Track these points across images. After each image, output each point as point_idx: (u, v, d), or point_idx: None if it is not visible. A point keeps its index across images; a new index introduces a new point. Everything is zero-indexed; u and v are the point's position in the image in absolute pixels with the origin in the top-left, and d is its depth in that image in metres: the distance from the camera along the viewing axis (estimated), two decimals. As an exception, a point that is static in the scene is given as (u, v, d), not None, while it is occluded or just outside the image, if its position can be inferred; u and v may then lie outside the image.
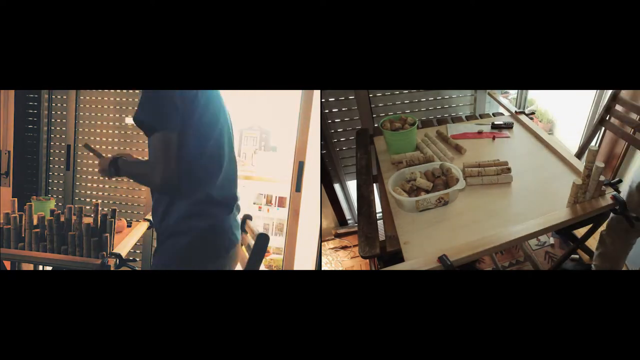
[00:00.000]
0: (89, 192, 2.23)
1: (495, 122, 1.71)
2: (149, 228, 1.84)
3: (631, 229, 1.28)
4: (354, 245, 2.45)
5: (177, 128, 1.05)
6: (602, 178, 1.12)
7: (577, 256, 1.87)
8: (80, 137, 2.20)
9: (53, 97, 2.20)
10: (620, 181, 1.19)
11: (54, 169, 2.24)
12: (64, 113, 2.19)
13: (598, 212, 1.14)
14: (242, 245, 1.33)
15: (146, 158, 1.34)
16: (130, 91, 2.13)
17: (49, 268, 1.54)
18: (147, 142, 1.24)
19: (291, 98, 2.09)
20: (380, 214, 1.34)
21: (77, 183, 2.22)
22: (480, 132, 1.67)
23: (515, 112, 1.78)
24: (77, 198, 2.23)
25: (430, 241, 1.11)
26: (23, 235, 1.36)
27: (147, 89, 1.18)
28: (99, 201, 1.44)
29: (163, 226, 1.14)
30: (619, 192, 1.18)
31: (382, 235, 1.21)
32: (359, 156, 1.67)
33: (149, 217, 1.93)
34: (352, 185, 2.42)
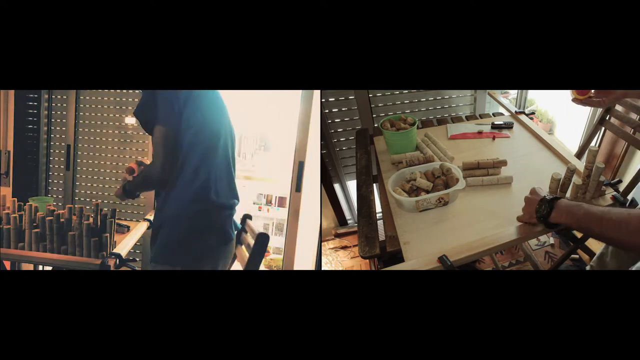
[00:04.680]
0: (89, 192, 2.23)
1: (495, 122, 1.71)
2: (148, 228, 1.84)
3: None
4: (354, 245, 2.45)
5: (174, 125, 1.13)
6: (602, 178, 1.12)
7: (577, 256, 1.87)
8: (80, 137, 2.20)
9: (53, 97, 2.20)
10: (620, 181, 1.19)
11: (54, 169, 2.24)
12: (64, 113, 2.19)
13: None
14: (241, 244, 1.33)
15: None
16: (130, 91, 2.13)
17: (49, 268, 1.54)
18: (146, 142, 1.27)
19: (291, 98, 2.09)
20: (380, 214, 1.34)
21: (77, 183, 2.22)
22: (480, 132, 1.67)
23: (516, 112, 1.78)
24: (77, 198, 2.23)
25: (430, 241, 1.11)
26: (23, 232, 1.37)
27: (147, 89, 1.19)
28: (99, 201, 1.44)
29: (158, 217, 1.22)
30: (618, 192, 1.18)
31: (382, 236, 1.21)
32: (359, 156, 1.67)
33: (149, 217, 1.93)
34: (352, 185, 2.42)
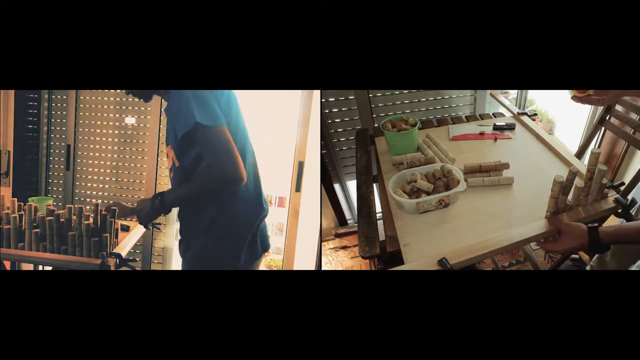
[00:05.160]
0: (89, 192, 2.23)
1: (498, 123, 1.71)
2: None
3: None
4: (354, 245, 2.45)
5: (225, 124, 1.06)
6: (604, 181, 1.11)
7: (577, 256, 1.87)
8: (80, 137, 2.20)
9: (53, 97, 2.20)
10: (623, 184, 1.18)
11: (54, 169, 2.24)
12: (64, 113, 2.19)
13: (600, 215, 1.13)
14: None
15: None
16: (131, 91, 2.13)
17: (49, 268, 1.54)
18: (146, 142, 1.24)
19: (291, 98, 2.09)
20: (380, 214, 1.34)
21: (77, 183, 2.22)
22: (482, 133, 1.67)
23: (518, 113, 1.77)
24: (77, 198, 2.22)
25: (430, 243, 1.10)
26: (23, 232, 1.36)
27: (147, 89, 1.18)
28: (99, 201, 1.44)
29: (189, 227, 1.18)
30: (619, 193, 1.18)
31: (382, 236, 1.21)
32: (359, 156, 1.67)
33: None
34: (352, 185, 2.42)
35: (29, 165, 2.20)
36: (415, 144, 1.58)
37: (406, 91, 2.16)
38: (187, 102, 1.03)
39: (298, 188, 2.09)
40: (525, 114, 1.76)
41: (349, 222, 2.55)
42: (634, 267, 1.13)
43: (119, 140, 2.17)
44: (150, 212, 1.14)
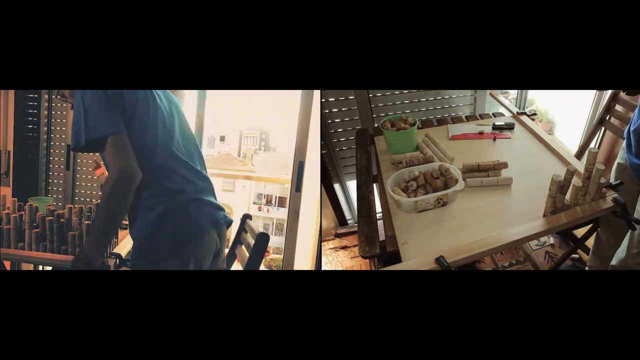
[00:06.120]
0: (89, 192, 2.23)
1: (497, 123, 1.71)
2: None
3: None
4: (354, 245, 2.45)
5: (123, 130, 1.03)
6: (602, 180, 1.11)
7: (577, 256, 1.87)
8: (80, 137, 2.20)
9: (53, 97, 2.20)
10: (622, 183, 1.18)
11: (54, 169, 2.24)
12: (64, 113, 2.19)
13: (598, 214, 1.13)
14: (241, 244, 1.33)
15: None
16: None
17: (49, 268, 1.54)
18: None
19: (291, 98, 2.09)
20: (381, 214, 1.34)
21: (77, 183, 2.22)
22: (481, 133, 1.67)
23: (517, 113, 1.77)
24: (77, 198, 2.23)
25: (428, 242, 1.11)
26: (23, 232, 1.36)
27: (147, 89, 1.18)
28: (99, 201, 1.44)
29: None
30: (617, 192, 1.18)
31: (382, 235, 1.21)
32: (358, 156, 1.67)
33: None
34: (352, 185, 2.42)
35: (29, 165, 2.20)
36: (414, 143, 1.58)
37: (406, 91, 2.16)
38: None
39: (298, 188, 2.09)
40: (525, 113, 1.76)
41: (349, 222, 2.55)
42: (614, 259, 1.15)
43: (119, 140, 2.17)
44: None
